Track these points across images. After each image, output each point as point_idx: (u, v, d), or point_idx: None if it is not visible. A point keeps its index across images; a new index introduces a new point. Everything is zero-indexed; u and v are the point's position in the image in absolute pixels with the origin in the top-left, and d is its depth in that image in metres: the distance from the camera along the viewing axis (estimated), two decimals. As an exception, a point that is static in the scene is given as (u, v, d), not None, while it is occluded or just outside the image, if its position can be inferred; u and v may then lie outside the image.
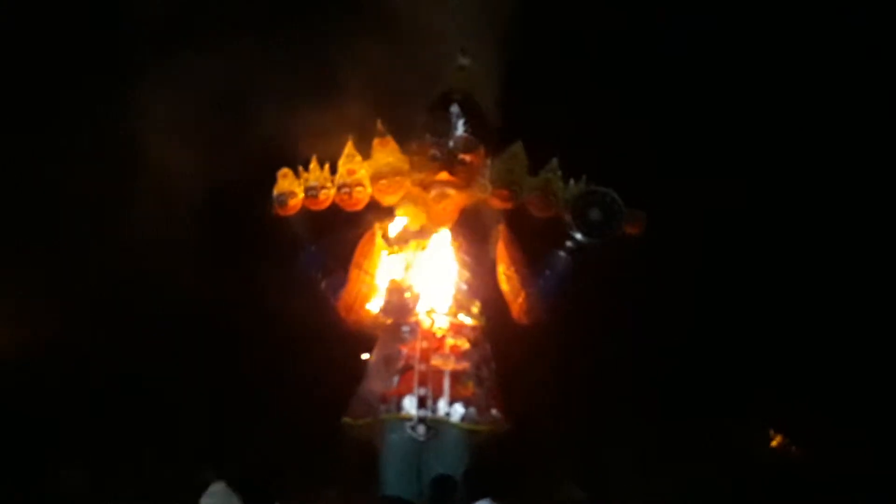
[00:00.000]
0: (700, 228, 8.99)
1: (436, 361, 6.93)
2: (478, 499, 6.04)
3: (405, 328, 7.07)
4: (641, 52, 9.19)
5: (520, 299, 7.18)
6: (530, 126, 7.37)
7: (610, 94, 8.88)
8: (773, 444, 9.68)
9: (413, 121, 7.29)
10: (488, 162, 7.22)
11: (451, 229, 7.22)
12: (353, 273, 7.27)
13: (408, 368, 6.95)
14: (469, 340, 7.05)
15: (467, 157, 7.17)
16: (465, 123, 7.21)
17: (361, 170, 7.19)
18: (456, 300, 7.13)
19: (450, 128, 7.20)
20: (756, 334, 9.52)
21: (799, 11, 9.36)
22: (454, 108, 7.23)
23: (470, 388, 6.93)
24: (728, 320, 9.44)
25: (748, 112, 9.50)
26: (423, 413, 6.79)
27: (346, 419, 7.04)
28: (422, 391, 6.85)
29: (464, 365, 6.97)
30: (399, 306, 7.12)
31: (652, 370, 9.06)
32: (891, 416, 8.96)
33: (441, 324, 7.05)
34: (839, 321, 9.48)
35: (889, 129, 9.46)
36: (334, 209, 7.24)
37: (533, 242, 7.24)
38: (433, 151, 7.16)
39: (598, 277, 7.48)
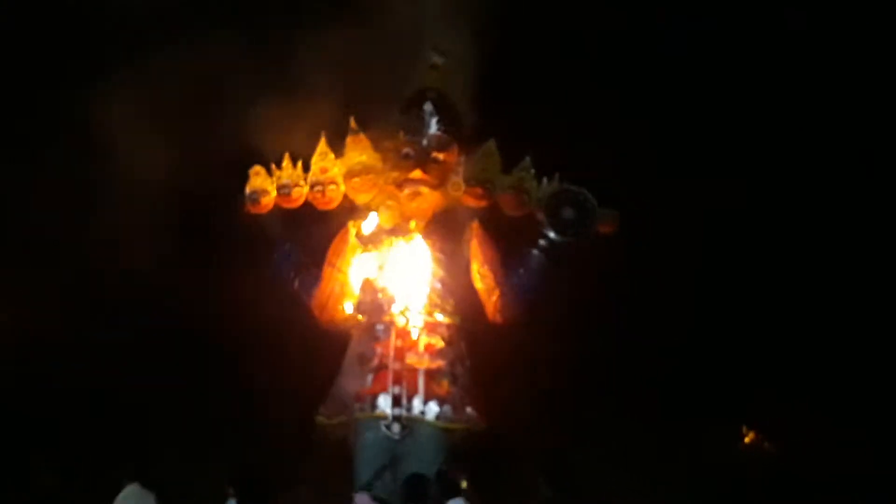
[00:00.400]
0: (701, 229, 9.00)
1: (410, 360, 6.94)
2: (450, 497, 6.05)
3: (379, 327, 7.06)
4: (619, 48, 9.18)
5: (494, 297, 7.20)
6: (503, 124, 7.37)
7: (584, 91, 8.87)
8: (746, 440, 9.72)
9: (386, 119, 7.27)
10: (462, 160, 7.22)
11: (425, 227, 7.22)
12: (327, 271, 7.26)
13: (382, 367, 6.95)
14: (443, 339, 7.06)
15: (441, 156, 7.17)
16: (438, 122, 7.21)
17: (334, 168, 7.18)
18: (430, 298, 7.13)
19: (423, 126, 7.20)
20: (733, 333, 9.54)
21: (800, 11, 9.36)
22: (428, 107, 7.22)
23: (444, 386, 6.94)
24: (731, 322, 9.45)
25: (739, 110, 9.50)
26: (397, 412, 6.79)
27: (321, 418, 7.03)
28: (396, 389, 6.85)
29: (438, 363, 6.97)
30: (373, 305, 7.11)
31: (630, 367, 9.08)
32: (890, 416, 8.98)
33: (415, 322, 7.05)
34: (837, 321, 9.50)
35: (889, 128, 9.47)
36: (307, 207, 7.23)
37: (507, 241, 7.25)
38: (407, 150, 7.16)
39: (577, 275, 7.49)
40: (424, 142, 7.16)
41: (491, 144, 7.17)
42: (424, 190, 7.19)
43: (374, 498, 6.41)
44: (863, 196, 9.64)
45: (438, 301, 7.14)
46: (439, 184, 7.20)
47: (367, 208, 7.33)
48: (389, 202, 7.27)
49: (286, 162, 7.18)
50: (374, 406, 6.85)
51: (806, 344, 9.43)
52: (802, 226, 9.63)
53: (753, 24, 9.44)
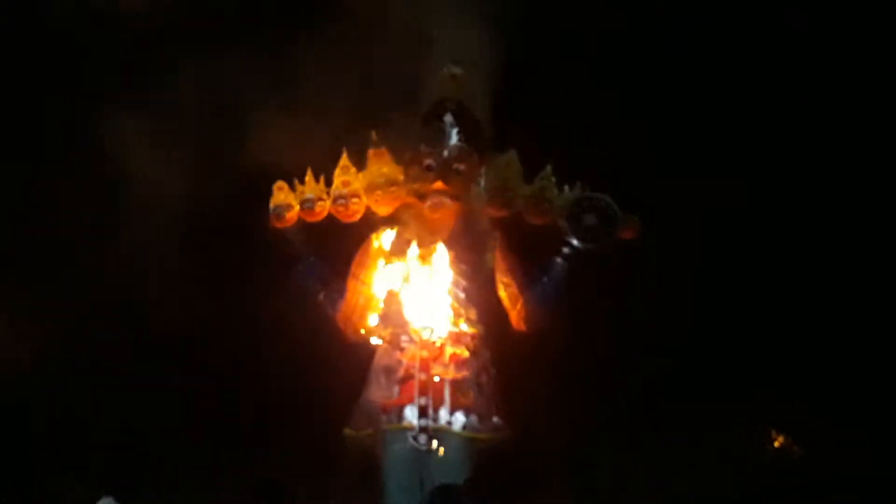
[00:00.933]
0: (701, 229, 8.98)
1: (436, 370, 6.95)
2: None
3: (404, 338, 7.08)
4: (639, 53, 9.16)
5: (518, 306, 7.21)
6: (523, 132, 7.38)
7: (605, 97, 8.87)
8: (776, 444, 9.68)
9: (407, 131, 7.31)
10: (483, 170, 7.23)
11: (448, 238, 7.23)
12: (351, 284, 7.29)
13: (408, 378, 6.97)
14: (468, 349, 7.08)
15: (462, 167, 7.18)
16: (458, 133, 7.22)
17: (357, 181, 7.20)
18: (454, 309, 7.14)
19: (444, 137, 7.21)
20: (769, 338, 9.48)
21: (801, 10, 9.35)
22: (447, 118, 7.23)
23: (470, 396, 6.95)
24: (732, 322, 9.42)
25: (745, 110, 9.49)
26: (424, 422, 6.82)
27: (348, 430, 7.07)
28: (422, 401, 6.87)
29: (463, 373, 6.99)
30: (397, 316, 7.14)
31: (655, 375, 9.05)
32: (891, 417, 8.94)
33: (440, 333, 7.07)
34: (840, 321, 9.46)
35: (889, 127, 9.45)
36: (331, 221, 7.26)
37: (530, 249, 7.26)
38: (428, 161, 7.18)
39: (599, 282, 7.49)
40: (445, 153, 7.18)
41: (512, 154, 7.18)
42: (447, 201, 7.20)
43: None
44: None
45: (462, 311, 7.16)
46: (461, 194, 7.21)
47: (390, 220, 7.36)
48: (412, 214, 7.30)
49: (309, 176, 7.22)
50: (400, 417, 6.88)
51: (805, 343, 9.39)
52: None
53: (755, 24, 9.42)
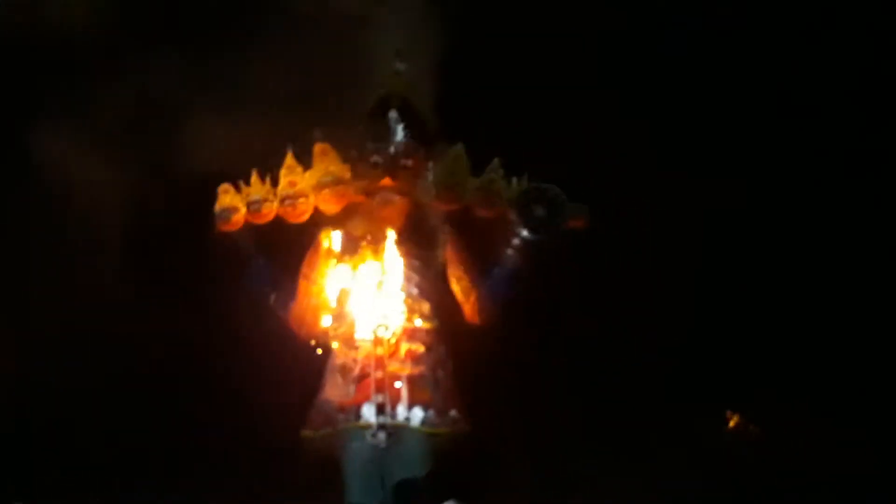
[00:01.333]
0: (664, 222, 9.05)
1: (392, 367, 6.92)
2: (442, 501, 6.05)
3: (358, 336, 7.03)
4: (584, 43, 9.19)
5: (471, 299, 7.21)
6: (470, 126, 7.38)
7: (553, 87, 8.89)
8: (731, 424, 9.82)
9: (352, 128, 7.26)
10: (430, 165, 7.21)
11: (398, 234, 7.19)
12: (302, 285, 7.23)
13: (364, 376, 6.92)
14: (424, 344, 7.06)
15: (409, 162, 7.15)
16: (404, 128, 7.19)
17: (303, 180, 7.14)
18: (407, 305, 7.10)
19: (390, 133, 7.18)
20: (727, 330, 9.60)
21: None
22: (393, 114, 7.19)
23: (427, 391, 6.94)
24: (697, 314, 9.50)
25: (712, 98, 9.54)
26: (382, 420, 6.77)
27: (306, 432, 7.01)
28: (379, 398, 6.83)
29: (420, 369, 6.98)
30: (350, 315, 7.10)
31: (618, 368, 9.13)
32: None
33: (394, 329, 7.05)
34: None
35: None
36: (279, 222, 7.19)
37: (481, 243, 7.27)
38: (374, 158, 7.14)
39: (559, 272, 7.52)
40: (392, 149, 7.14)
41: (459, 148, 7.16)
42: (395, 197, 7.18)
43: None
44: (863, 194, 9.72)
45: (416, 307, 7.13)
46: (409, 190, 7.18)
47: (339, 219, 7.30)
48: (360, 211, 7.26)
49: (254, 178, 7.13)
50: (358, 416, 6.84)
51: (805, 342, 9.50)
52: (801, 225, 9.69)
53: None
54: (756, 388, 9.38)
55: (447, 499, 6.14)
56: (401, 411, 6.83)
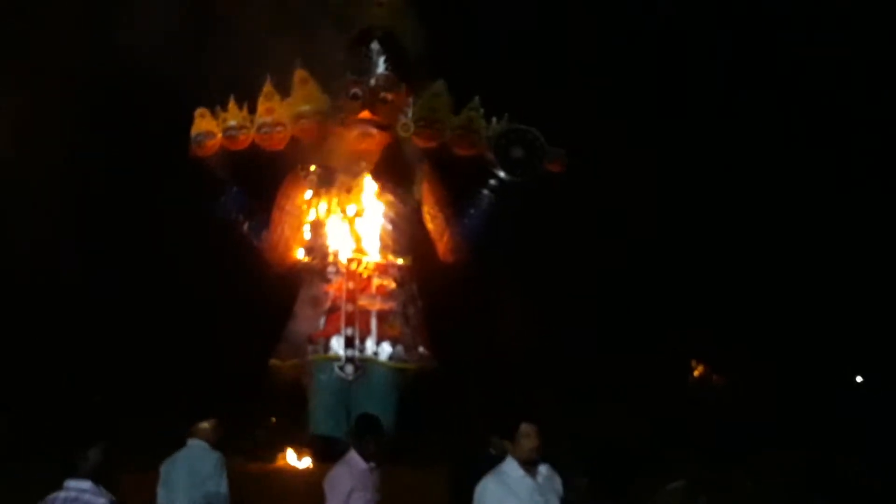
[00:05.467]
0: (628, 168, 9.03)
1: (363, 301, 6.96)
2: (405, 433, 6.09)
3: (331, 269, 7.05)
4: None
5: (445, 238, 7.23)
6: (452, 63, 7.28)
7: (539, 26, 8.76)
8: (696, 374, 9.97)
9: (333, 58, 7.14)
10: (410, 100, 7.15)
11: (374, 169, 7.16)
12: (276, 215, 7.21)
13: (335, 309, 6.96)
14: (395, 280, 7.09)
15: (389, 96, 7.09)
16: (385, 61, 7.11)
17: (281, 109, 7.07)
18: (381, 240, 7.12)
19: (371, 66, 7.10)
20: (685, 273, 9.69)
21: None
22: (374, 46, 7.12)
23: (397, 327, 6.99)
24: (663, 262, 9.57)
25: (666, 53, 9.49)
26: (350, 353, 6.84)
27: (274, 361, 7.06)
28: (349, 331, 6.88)
29: (390, 304, 7.01)
30: (323, 247, 7.09)
31: (579, 306, 9.19)
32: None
33: (367, 264, 7.05)
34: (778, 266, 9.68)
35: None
36: (254, 150, 7.12)
37: (456, 181, 7.24)
38: (354, 90, 7.07)
39: (527, 213, 7.51)
40: (372, 81, 7.07)
41: (440, 84, 7.10)
42: (373, 131, 7.12)
43: (326, 438, 6.45)
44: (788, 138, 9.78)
45: (389, 242, 7.14)
46: (388, 124, 7.12)
47: (315, 150, 7.24)
48: (338, 143, 7.19)
49: (231, 104, 7.05)
50: (327, 348, 6.89)
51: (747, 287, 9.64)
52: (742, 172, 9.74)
53: None
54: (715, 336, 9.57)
55: (411, 431, 6.19)
56: (369, 345, 6.89)
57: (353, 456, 4.61)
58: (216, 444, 4.89)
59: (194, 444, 4.89)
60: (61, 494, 3.90)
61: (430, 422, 6.90)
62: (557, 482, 4.09)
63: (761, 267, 9.78)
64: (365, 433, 4.72)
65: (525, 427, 4.06)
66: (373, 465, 4.58)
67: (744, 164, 9.76)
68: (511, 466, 4.03)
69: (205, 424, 4.92)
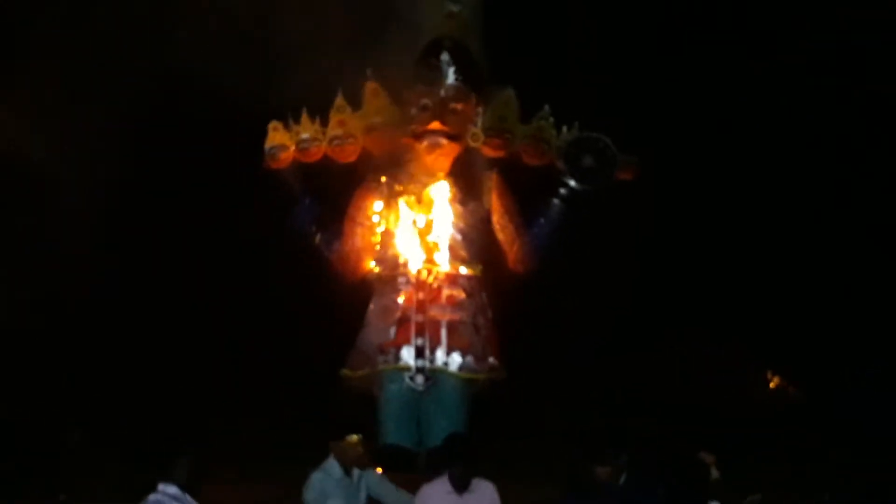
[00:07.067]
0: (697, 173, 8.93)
1: (433, 312, 6.97)
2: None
3: (401, 279, 7.08)
4: None
5: (515, 247, 7.20)
6: (522, 72, 7.29)
7: (606, 35, 8.71)
8: (772, 385, 9.77)
9: (403, 70, 7.20)
10: (480, 110, 7.16)
11: (445, 179, 7.18)
12: (348, 226, 7.26)
13: (405, 320, 6.99)
14: (465, 290, 7.09)
15: (459, 106, 7.11)
16: (455, 72, 7.13)
17: (352, 121, 7.14)
18: (451, 250, 7.12)
19: (441, 76, 7.13)
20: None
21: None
22: (445, 57, 7.14)
23: (466, 337, 6.98)
24: (746, 274, 9.42)
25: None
26: (420, 363, 6.86)
27: (346, 371, 7.11)
28: (419, 341, 6.90)
29: (460, 315, 7.01)
30: (394, 258, 7.13)
31: (649, 314, 9.08)
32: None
33: (437, 274, 7.06)
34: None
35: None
36: (326, 162, 7.20)
37: (526, 190, 7.22)
38: (424, 101, 7.10)
39: (598, 223, 7.46)
40: (442, 92, 7.10)
41: (509, 93, 7.09)
42: (443, 141, 7.13)
43: (395, 448, 6.48)
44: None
45: (459, 252, 7.14)
46: (458, 135, 7.13)
47: (387, 161, 7.29)
48: (409, 155, 7.23)
49: (304, 117, 7.14)
50: (397, 358, 6.92)
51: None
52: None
53: None
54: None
55: (481, 444, 6.16)
56: (439, 356, 6.89)
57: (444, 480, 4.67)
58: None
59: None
60: (151, 497, 4.00)
61: (501, 433, 6.86)
62: None
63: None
64: (455, 455, 4.82)
65: None
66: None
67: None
68: None
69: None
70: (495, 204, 7.19)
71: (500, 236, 7.21)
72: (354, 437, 5.10)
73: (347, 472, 5.10)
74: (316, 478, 5.10)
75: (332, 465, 5.11)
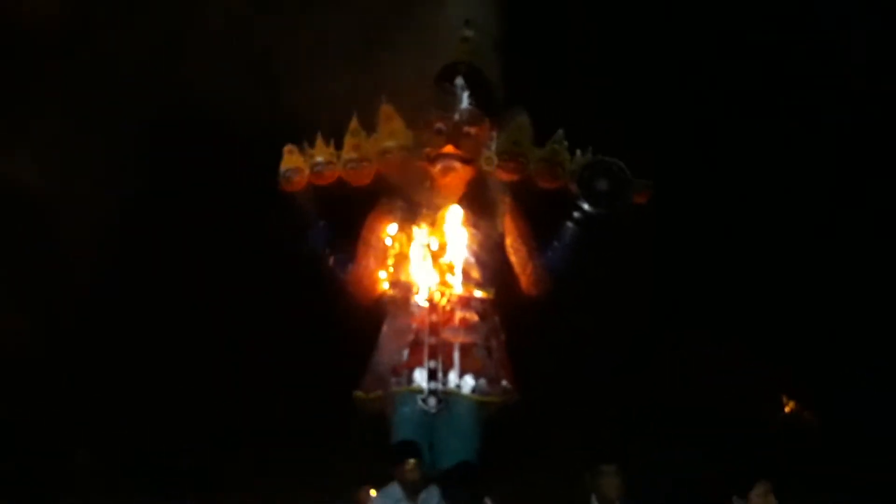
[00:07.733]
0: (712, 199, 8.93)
1: (445, 334, 6.96)
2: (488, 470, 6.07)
3: (414, 302, 7.09)
4: (653, 14, 9.03)
5: (528, 271, 7.19)
6: (535, 97, 7.32)
7: (619, 61, 8.76)
8: (787, 409, 9.72)
9: (418, 94, 7.25)
10: (494, 134, 7.19)
11: (458, 202, 7.19)
12: (362, 249, 7.28)
13: (418, 342, 6.99)
14: (478, 313, 7.08)
15: (473, 130, 7.14)
16: (470, 96, 7.17)
17: (367, 145, 7.17)
18: (464, 273, 7.12)
19: (455, 101, 7.16)
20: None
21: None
22: (459, 81, 7.18)
23: (479, 360, 6.97)
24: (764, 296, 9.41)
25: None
26: (433, 385, 6.85)
27: (359, 393, 7.11)
28: (432, 364, 6.90)
29: (473, 337, 7.01)
30: (407, 280, 7.15)
31: (664, 339, 9.06)
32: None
33: (450, 297, 7.07)
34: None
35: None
36: (341, 185, 7.24)
37: (540, 214, 7.24)
38: (439, 125, 7.14)
39: (613, 246, 7.48)
40: (457, 116, 7.13)
41: (524, 118, 7.13)
42: (457, 165, 7.15)
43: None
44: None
45: (473, 275, 7.14)
46: (472, 158, 7.15)
47: (401, 184, 7.32)
48: (422, 178, 7.26)
49: (319, 140, 7.19)
50: (410, 380, 6.91)
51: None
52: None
53: None
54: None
55: (495, 468, 6.16)
56: (452, 378, 6.89)
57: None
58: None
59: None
60: None
61: (513, 456, 6.85)
62: None
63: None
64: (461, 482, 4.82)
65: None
66: None
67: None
68: None
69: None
70: (509, 227, 7.21)
71: (514, 259, 7.21)
72: (412, 462, 5.12)
73: (409, 496, 5.11)
74: (375, 501, 5.11)
75: (394, 488, 5.08)
